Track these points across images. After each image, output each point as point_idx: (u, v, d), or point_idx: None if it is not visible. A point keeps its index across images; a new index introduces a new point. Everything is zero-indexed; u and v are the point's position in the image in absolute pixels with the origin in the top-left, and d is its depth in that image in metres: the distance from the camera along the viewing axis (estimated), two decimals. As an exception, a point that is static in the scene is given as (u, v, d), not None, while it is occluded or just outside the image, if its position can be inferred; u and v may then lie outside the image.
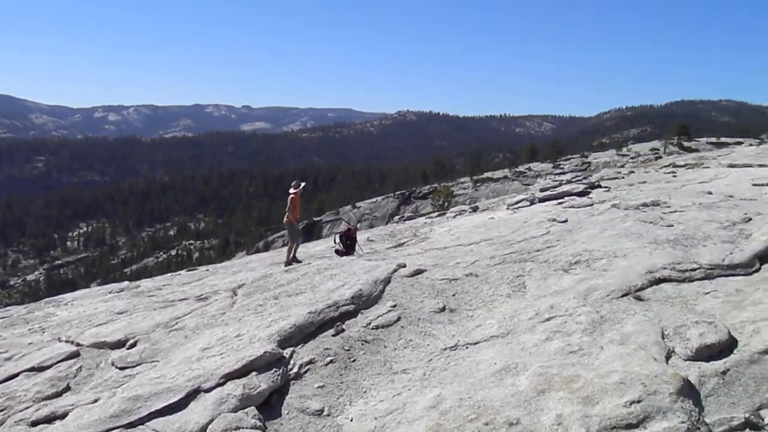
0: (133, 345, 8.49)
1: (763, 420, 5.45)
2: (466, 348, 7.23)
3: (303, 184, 14.20)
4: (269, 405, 6.46)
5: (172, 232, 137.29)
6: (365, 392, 6.64)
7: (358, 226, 22.63)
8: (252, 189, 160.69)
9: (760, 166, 19.41)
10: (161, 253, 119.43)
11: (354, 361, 7.27)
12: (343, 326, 8.04)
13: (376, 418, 6.02)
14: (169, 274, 16.05)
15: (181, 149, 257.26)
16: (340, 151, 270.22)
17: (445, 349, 7.30)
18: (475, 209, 22.98)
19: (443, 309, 8.53)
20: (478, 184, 65.51)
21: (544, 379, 5.92)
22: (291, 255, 13.69)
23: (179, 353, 7.87)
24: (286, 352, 7.32)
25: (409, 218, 28.71)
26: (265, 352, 7.04)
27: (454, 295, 9.00)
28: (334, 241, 14.66)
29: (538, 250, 10.77)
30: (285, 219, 13.95)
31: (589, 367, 6.08)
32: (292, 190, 13.79)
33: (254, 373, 6.77)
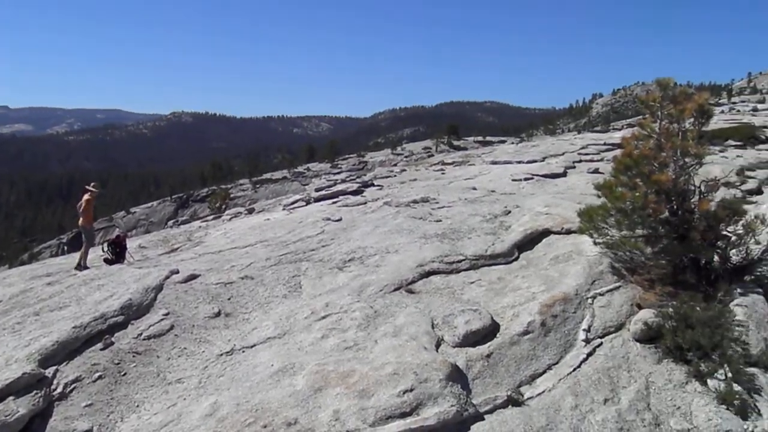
0: None
1: (523, 396, 6.35)
2: (243, 352, 7.40)
3: (94, 184, 13.76)
4: (30, 431, 6.14)
5: None
6: (138, 406, 6.55)
7: (133, 232, 21.63)
8: (13, 197, 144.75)
9: (518, 162, 21.97)
10: None
11: (125, 374, 7.11)
12: (113, 339, 7.81)
13: (150, 432, 5.98)
14: None
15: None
16: (111, 154, 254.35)
17: (221, 354, 7.41)
18: (251, 211, 23.12)
19: (218, 314, 8.59)
20: (257, 186, 65.65)
21: (321, 377, 6.31)
22: (83, 260, 13.09)
23: None
24: (49, 372, 6.95)
25: (184, 222, 27.99)
26: (23, 374, 6.63)
27: (229, 299, 9.09)
28: (102, 249, 14.06)
29: (313, 250, 11.21)
30: (80, 222, 13.36)
31: (364, 361, 6.58)
32: (86, 195, 13.31)
33: (11, 397, 6.37)
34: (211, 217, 27.11)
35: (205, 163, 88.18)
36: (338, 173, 41.05)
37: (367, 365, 6.45)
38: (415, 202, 14.16)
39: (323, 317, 7.93)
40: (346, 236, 11.94)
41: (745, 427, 5.95)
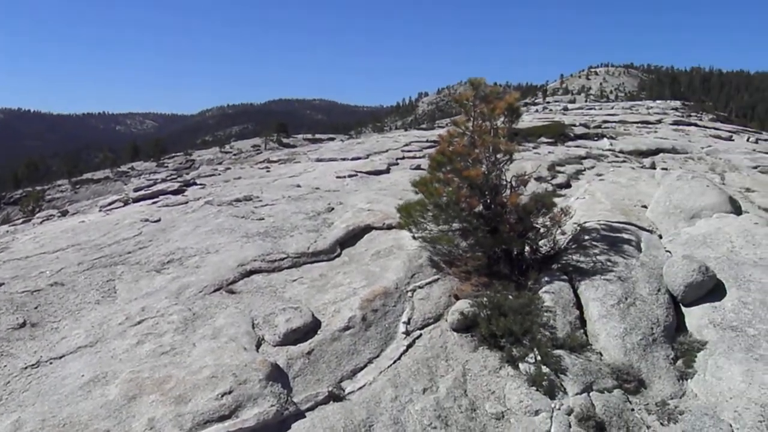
0: None
1: (344, 391, 6.51)
2: (51, 363, 6.96)
3: None
4: None
5: None
6: (-74, 434, 5.95)
7: None
8: None
9: (343, 159, 22.34)
10: None
11: None
12: None
13: (-64, 463, 5.48)
14: None
15: None
16: None
17: (26, 367, 6.90)
18: (64, 213, 21.71)
19: (24, 324, 7.99)
20: (77, 186, 61.56)
21: (135, 385, 6.11)
22: None
23: None
24: None
25: (-9, 227, 25.68)
26: None
27: (36, 308, 8.49)
28: None
29: (129, 252, 10.77)
30: None
31: (181, 365, 6.45)
32: None
33: None
34: (21, 220, 25.18)
35: (18, 163, 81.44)
36: (156, 173, 39.66)
37: (185, 370, 6.32)
38: (237, 200, 14.01)
39: (139, 322, 7.64)
40: (165, 237, 11.57)
41: (553, 405, 6.48)
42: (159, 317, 7.71)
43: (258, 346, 6.98)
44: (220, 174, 24.27)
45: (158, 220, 13.27)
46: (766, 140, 30.81)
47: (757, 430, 6.17)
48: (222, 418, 5.65)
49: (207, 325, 7.42)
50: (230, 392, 5.89)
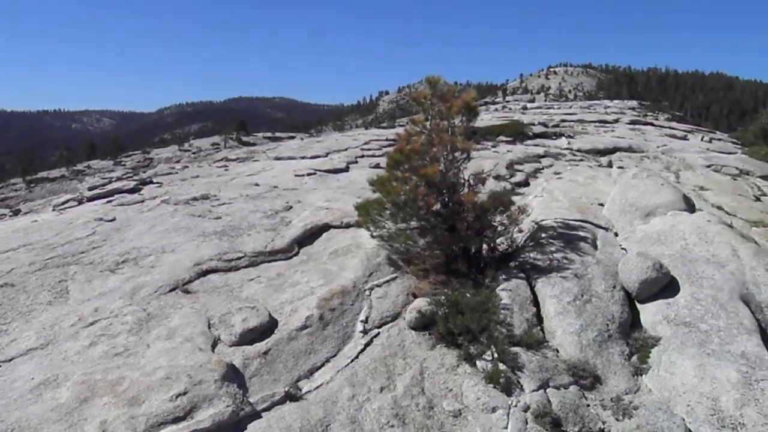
0: None
1: (301, 390, 6.49)
2: None
3: None
4: None
5: None
6: None
7: None
8: None
9: (302, 158, 22.23)
10: None
11: None
12: None
13: None
14: None
15: None
16: None
17: (-27, 371, 6.75)
18: (16, 212, 21.29)
19: (-29, 327, 7.82)
20: (32, 185, 60.45)
21: (87, 387, 6.01)
22: None
23: None
24: None
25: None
26: None
27: (-16, 310, 8.31)
28: None
29: (83, 252, 10.58)
30: None
31: (134, 367, 6.36)
32: None
33: None
34: (-31, 220, 24.56)
35: (-31, 162, 79.85)
36: (111, 171, 39.10)
37: (138, 371, 6.24)
38: (194, 199, 13.85)
39: (91, 323, 7.51)
40: (120, 237, 11.39)
41: (510, 402, 6.54)
42: (113, 318, 7.59)
43: (214, 346, 6.92)
44: (177, 172, 23.99)
45: (113, 220, 13.06)
46: (719, 140, 31.56)
47: (709, 423, 6.31)
48: (176, 420, 5.59)
49: (162, 325, 7.33)
50: (185, 393, 5.82)
